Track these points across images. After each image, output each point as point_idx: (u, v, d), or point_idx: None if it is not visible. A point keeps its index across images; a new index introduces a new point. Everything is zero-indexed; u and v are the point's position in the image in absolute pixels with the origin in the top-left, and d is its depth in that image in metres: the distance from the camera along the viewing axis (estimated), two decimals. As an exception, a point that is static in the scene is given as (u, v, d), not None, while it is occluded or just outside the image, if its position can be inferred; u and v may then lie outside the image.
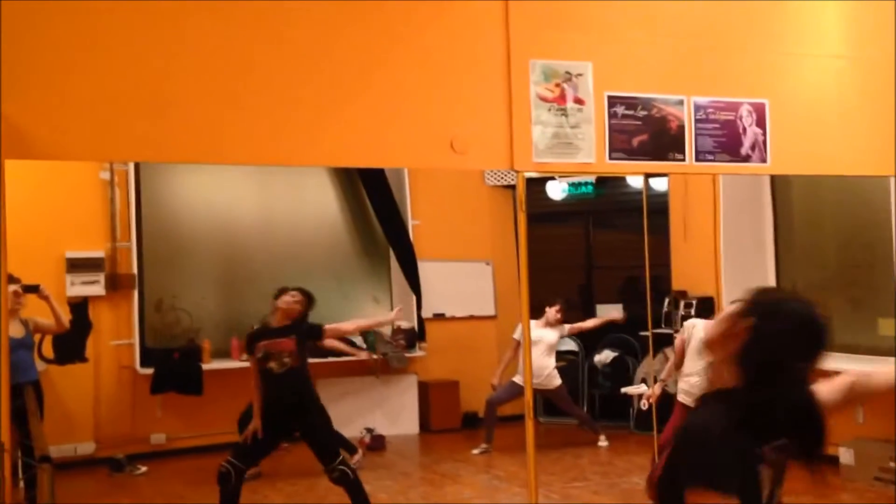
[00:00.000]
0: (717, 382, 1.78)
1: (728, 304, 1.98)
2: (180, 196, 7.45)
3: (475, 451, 6.85)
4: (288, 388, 4.63)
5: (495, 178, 8.32)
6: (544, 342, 6.78)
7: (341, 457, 4.64)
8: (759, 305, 1.81)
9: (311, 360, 6.83)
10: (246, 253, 7.60)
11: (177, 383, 6.80)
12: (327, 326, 4.85)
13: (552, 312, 6.85)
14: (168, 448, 6.93)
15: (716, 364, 1.81)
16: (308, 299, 4.81)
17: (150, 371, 6.78)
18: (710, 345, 1.86)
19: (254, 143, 3.28)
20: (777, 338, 1.76)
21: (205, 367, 6.93)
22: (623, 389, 6.67)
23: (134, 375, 6.85)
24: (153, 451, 6.85)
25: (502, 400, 6.87)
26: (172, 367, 6.83)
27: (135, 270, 6.88)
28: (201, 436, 6.99)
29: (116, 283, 6.79)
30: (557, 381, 6.85)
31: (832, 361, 6.32)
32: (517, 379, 6.74)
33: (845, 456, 5.64)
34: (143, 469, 6.48)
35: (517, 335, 6.86)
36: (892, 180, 5.63)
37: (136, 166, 6.96)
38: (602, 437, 6.95)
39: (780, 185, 6.67)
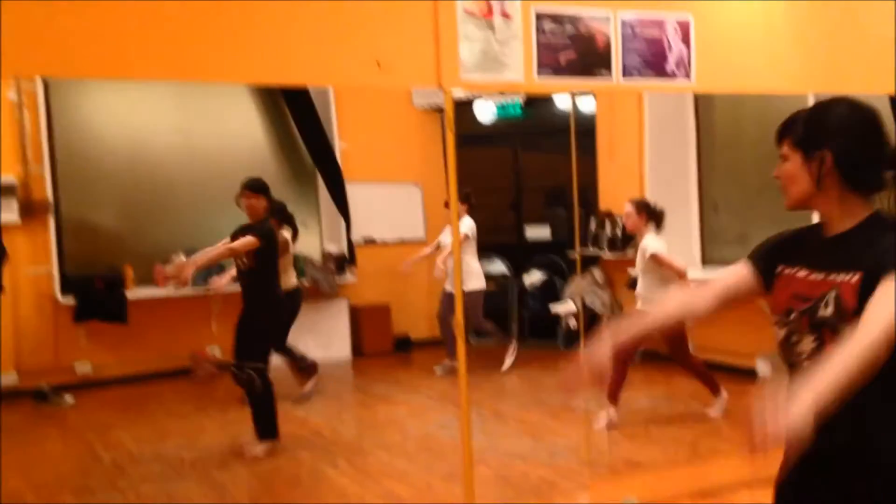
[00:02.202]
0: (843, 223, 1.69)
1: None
2: (95, 117, 7.14)
3: (438, 369, 6.85)
4: (245, 286, 4.89)
5: (423, 100, 8.21)
6: (446, 244, 6.71)
7: (260, 364, 4.73)
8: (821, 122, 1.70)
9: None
10: (167, 176, 7.37)
11: (100, 311, 6.65)
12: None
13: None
14: (95, 378, 6.82)
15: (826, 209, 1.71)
16: (263, 196, 4.88)
17: (71, 300, 6.60)
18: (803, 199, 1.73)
19: (171, 59, 3.13)
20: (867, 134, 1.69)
21: (129, 295, 6.77)
22: (552, 307, 6.81)
23: (55, 304, 6.67)
24: (80, 382, 6.73)
25: (446, 312, 6.86)
26: (95, 295, 6.66)
27: (50, 196, 6.62)
28: (129, 364, 6.90)
29: (31, 210, 6.53)
30: (472, 284, 6.58)
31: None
32: (447, 286, 6.76)
33: (762, 367, 5.91)
34: (70, 399, 6.37)
35: (441, 237, 6.88)
36: (811, 98, 5.76)
37: (46, 86, 6.63)
38: (510, 352, 6.95)
39: (703, 105, 6.77)
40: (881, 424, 1.61)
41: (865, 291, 1.56)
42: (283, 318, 5.06)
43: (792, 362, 1.72)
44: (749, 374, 6.02)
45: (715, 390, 5.17)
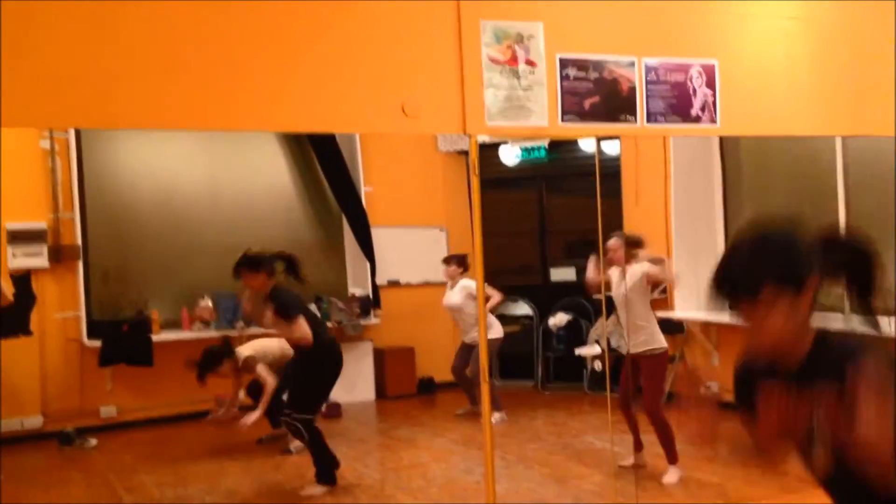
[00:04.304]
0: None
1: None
2: (125, 165, 7.25)
3: (459, 412, 6.85)
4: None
5: (448, 144, 8.27)
6: (453, 304, 6.73)
7: (308, 416, 4.84)
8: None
9: (266, 330, 6.83)
10: (195, 222, 7.45)
11: (126, 355, 6.68)
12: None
13: (448, 272, 6.78)
14: (119, 421, 6.84)
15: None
16: (263, 270, 4.86)
17: (97, 343, 6.65)
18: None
19: (200, 109, 3.18)
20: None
21: (155, 338, 6.81)
22: (577, 350, 6.75)
23: (81, 348, 6.72)
24: (104, 424, 6.75)
25: (460, 364, 6.84)
26: (121, 338, 6.70)
27: (79, 241, 6.71)
28: (153, 407, 6.91)
29: (60, 255, 6.62)
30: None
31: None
32: (465, 339, 6.82)
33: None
34: (94, 442, 6.38)
35: (445, 302, 6.83)
36: (839, 141, 5.73)
37: (78, 134, 6.76)
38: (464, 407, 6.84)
39: (728, 148, 6.75)
40: None
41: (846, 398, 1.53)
42: (338, 367, 5.03)
43: (819, 478, 1.70)
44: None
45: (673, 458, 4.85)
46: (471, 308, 6.57)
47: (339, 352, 5.07)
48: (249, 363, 5.68)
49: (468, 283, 6.64)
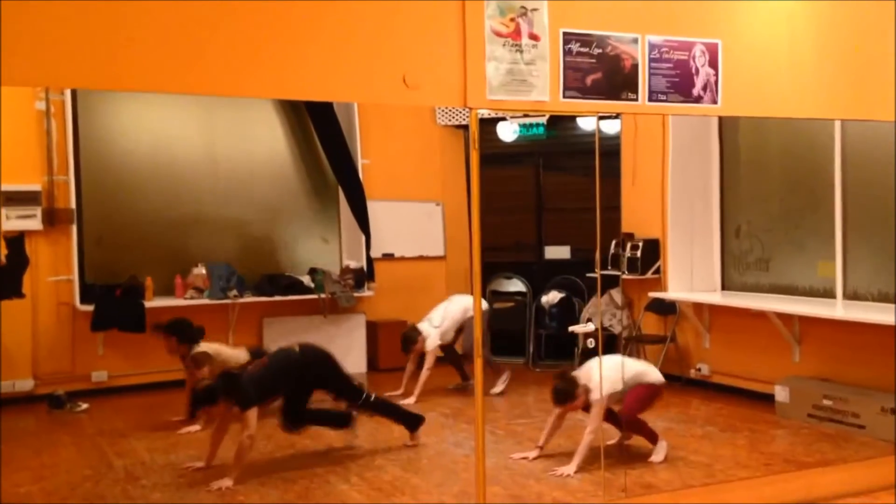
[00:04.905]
0: None
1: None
2: (121, 129, 7.20)
3: (450, 387, 6.83)
4: None
5: (447, 118, 8.24)
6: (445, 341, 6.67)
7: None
8: None
9: (259, 299, 6.85)
10: (190, 189, 7.42)
11: (119, 321, 6.67)
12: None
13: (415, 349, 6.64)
14: (110, 385, 6.85)
15: None
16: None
17: (89, 308, 6.64)
18: None
19: (197, 72, 3.15)
20: None
21: (148, 304, 6.80)
22: (571, 328, 6.77)
23: (73, 312, 6.71)
24: (95, 389, 6.76)
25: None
26: (114, 304, 6.69)
27: (73, 204, 6.68)
28: (144, 373, 6.92)
29: (54, 218, 6.59)
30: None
31: (776, 302, 6.38)
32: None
33: (780, 394, 5.84)
34: (84, 406, 6.39)
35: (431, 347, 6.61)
36: (837, 124, 5.73)
37: (74, 96, 6.71)
38: (504, 378, 6.76)
39: (727, 129, 6.74)
40: None
41: None
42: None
43: None
44: (767, 400, 5.95)
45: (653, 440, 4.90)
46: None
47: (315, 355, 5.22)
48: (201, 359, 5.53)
49: (433, 338, 6.59)
